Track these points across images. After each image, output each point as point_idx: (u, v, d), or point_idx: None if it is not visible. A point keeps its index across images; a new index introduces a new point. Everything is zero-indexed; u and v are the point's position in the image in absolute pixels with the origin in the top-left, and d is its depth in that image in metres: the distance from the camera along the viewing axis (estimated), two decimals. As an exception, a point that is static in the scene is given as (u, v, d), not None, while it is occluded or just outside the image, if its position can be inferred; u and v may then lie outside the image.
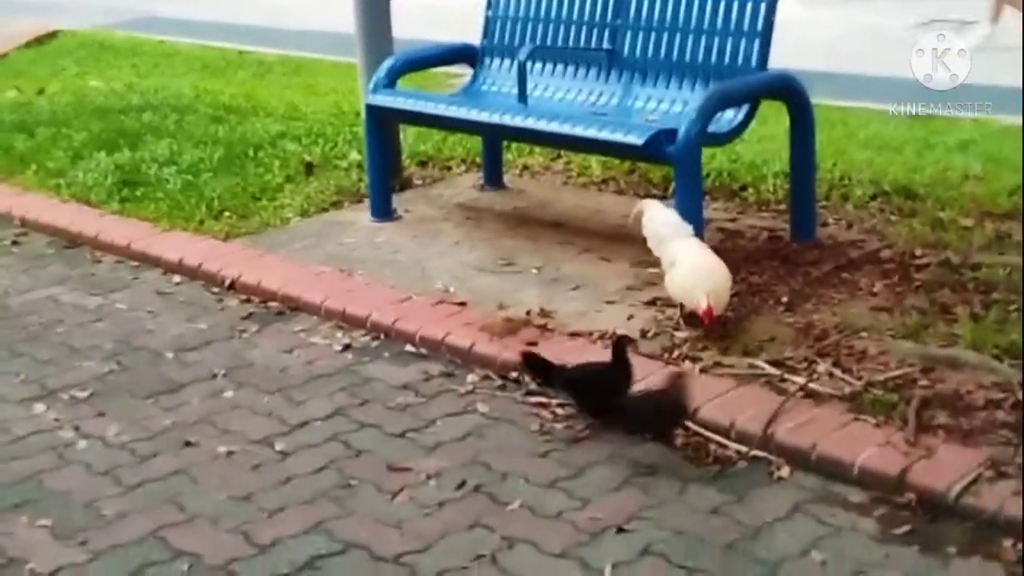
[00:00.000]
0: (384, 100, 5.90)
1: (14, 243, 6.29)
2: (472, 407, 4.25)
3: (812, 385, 4.08)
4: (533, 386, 4.32)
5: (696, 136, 4.88)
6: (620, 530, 3.48)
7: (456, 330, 4.71)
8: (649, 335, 4.57)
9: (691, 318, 4.55)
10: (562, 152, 6.82)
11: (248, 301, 5.31)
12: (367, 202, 6.22)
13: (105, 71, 10.49)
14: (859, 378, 4.12)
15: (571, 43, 5.94)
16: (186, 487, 3.84)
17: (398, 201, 6.25)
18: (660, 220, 4.79)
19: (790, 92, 5.31)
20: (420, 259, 5.55)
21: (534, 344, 4.52)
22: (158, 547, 3.51)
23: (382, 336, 4.85)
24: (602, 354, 4.27)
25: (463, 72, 6.72)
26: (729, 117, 5.22)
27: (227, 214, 6.26)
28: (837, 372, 4.18)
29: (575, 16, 5.94)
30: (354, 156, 6.97)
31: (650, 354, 4.37)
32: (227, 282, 5.45)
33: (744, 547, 3.38)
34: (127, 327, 5.12)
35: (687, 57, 5.51)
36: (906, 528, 3.41)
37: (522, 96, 5.71)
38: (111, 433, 4.20)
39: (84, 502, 3.77)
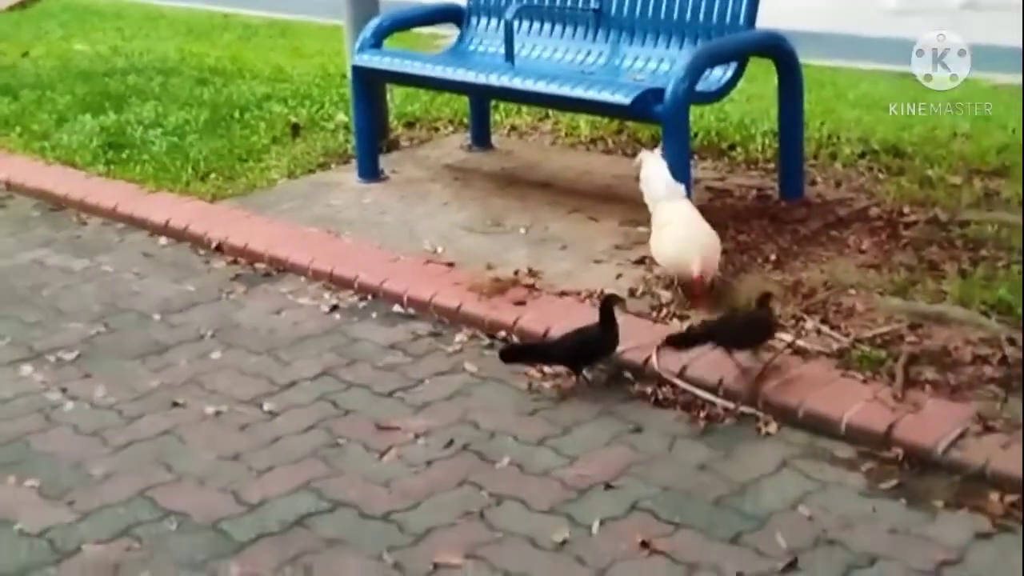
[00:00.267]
0: (370, 60, 5.87)
1: (-1, 206, 6.28)
2: (460, 366, 4.25)
3: (800, 342, 4.08)
4: (521, 345, 4.33)
5: (684, 95, 4.85)
6: (608, 486, 3.48)
7: (444, 290, 4.70)
8: (637, 294, 4.56)
9: (684, 286, 4.54)
10: (550, 112, 6.80)
11: (235, 263, 5.29)
12: (354, 163, 6.20)
13: (90, 34, 10.42)
14: (847, 335, 4.12)
15: (558, 1, 5.91)
16: (174, 447, 3.84)
17: (385, 162, 6.23)
18: (657, 180, 4.76)
19: (778, 51, 5.29)
20: (408, 220, 5.53)
21: (521, 303, 4.52)
22: (146, 507, 3.51)
23: (370, 297, 4.84)
24: (590, 313, 4.26)
25: (450, 32, 6.69)
26: (717, 76, 5.20)
27: (213, 176, 6.23)
28: (825, 329, 4.18)
29: (562, -26, 5.90)
30: (341, 117, 6.94)
31: (638, 313, 4.37)
32: (214, 244, 5.43)
33: (732, 502, 3.39)
34: (114, 289, 5.10)
35: (675, 15, 5.48)
36: (893, 483, 3.42)
37: (509, 56, 5.68)
38: (98, 394, 4.19)
39: (72, 463, 3.76)
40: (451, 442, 3.77)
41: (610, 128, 6.55)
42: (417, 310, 4.68)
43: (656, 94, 4.89)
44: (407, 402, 4.04)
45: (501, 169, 6.20)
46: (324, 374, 4.26)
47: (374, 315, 4.70)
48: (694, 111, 5.38)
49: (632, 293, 4.56)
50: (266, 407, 4.06)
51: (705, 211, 4.72)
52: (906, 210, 5.20)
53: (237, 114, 7.20)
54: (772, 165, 5.79)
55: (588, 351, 4.07)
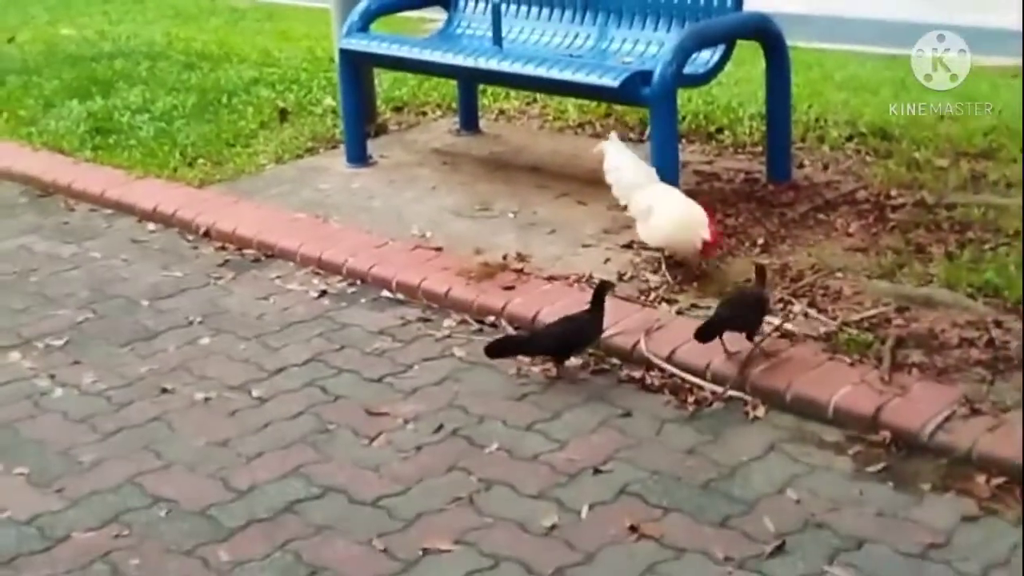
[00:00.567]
0: (358, 44, 5.85)
1: (-14, 192, 6.25)
2: (449, 351, 4.25)
3: (787, 325, 4.09)
4: (511, 330, 4.33)
5: (672, 77, 4.85)
6: (597, 471, 3.49)
7: (433, 275, 4.70)
8: (626, 278, 4.57)
9: (675, 264, 4.55)
10: (538, 96, 6.79)
11: (223, 248, 5.28)
12: (342, 148, 6.19)
13: (76, 18, 10.38)
14: (834, 318, 4.13)
15: (546, -15, 5.90)
16: (163, 434, 3.84)
17: (373, 147, 6.22)
18: (628, 168, 4.77)
19: (766, 33, 5.28)
20: (396, 205, 5.53)
21: (510, 288, 4.52)
22: (135, 493, 3.51)
23: (359, 282, 4.83)
24: (579, 296, 4.27)
25: (437, 16, 6.67)
26: (705, 58, 5.20)
27: (201, 161, 6.22)
28: (812, 312, 4.19)
29: (549, -43, 5.89)
30: (328, 102, 6.93)
31: (626, 297, 4.38)
32: (202, 229, 5.42)
33: (720, 486, 3.40)
34: (102, 275, 5.10)
35: (662, -2, 5.48)
36: (880, 466, 3.43)
37: (497, 39, 5.67)
38: (87, 381, 4.19)
39: (60, 450, 3.76)
40: (440, 427, 3.77)
41: (598, 112, 6.55)
42: (406, 295, 4.68)
43: (644, 77, 4.89)
44: (396, 387, 4.04)
45: (489, 153, 6.19)
46: (313, 360, 4.26)
47: (363, 300, 4.70)
48: (682, 94, 5.38)
49: (620, 277, 4.56)
50: (255, 393, 4.06)
51: (693, 194, 4.72)
52: (893, 193, 5.21)
53: (225, 99, 7.18)
54: (760, 148, 5.79)
55: (575, 340, 4.07)
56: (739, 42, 5.34)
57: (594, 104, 6.47)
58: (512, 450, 3.63)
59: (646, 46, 5.45)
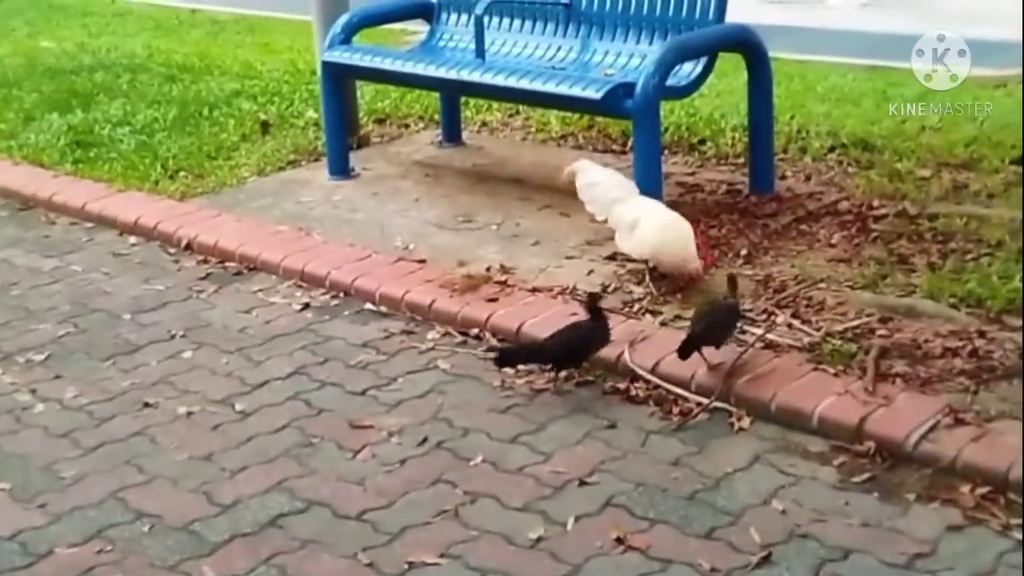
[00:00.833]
0: (340, 56, 5.85)
1: (-34, 206, 6.22)
2: (433, 364, 4.24)
3: (771, 336, 4.09)
4: (494, 342, 4.32)
5: (654, 89, 4.86)
6: (582, 483, 3.49)
7: (416, 287, 4.69)
8: (610, 289, 4.57)
9: (659, 276, 4.55)
10: (521, 108, 6.80)
11: (205, 261, 5.26)
12: (324, 160, 6.18)
13: (56, 31, 10.35)
14: (818, 329, 4.14)
15: (528, -3, 5.90)
16: (146, 448, 3.81)
17: (356, 159, 6.21)
18: (606, 183, 4.78)
19: (748, 45, 5.30)
20: (379, 217, 5.52)
21: (493, 300, 4.51)
22: (118, 508, 3.48)
23: (342, 295, 4.82)
24: (563, 309, 4.27)
25: (420, 28, 6.67)
26: (687, 70, 5.21)
27: (183, 174, 6.20)
28: (796, 323, 4.19)
29: (531, -30, 5.89)
30: (311, 114, 6.92)
31: (610, 308, 4.37)
32: (184, 242, 5.40)
33: (706, 497, 3.39)
34: (83, 289, 5.07)
35: (644, 10, 5.49)
36: (865, 476, 3.43)
37: (479, 51, 5.67)
38: (69, 395, 4.17)
39: (43, 465, 3.74)
40: (425, 440, 3.76)
41: (580, 124, 6.55)
42: (389, 308, 4.67)
43: (627, 89, 4.90)
44: (380, 400, 4.03)
45: (472, 165, 6.19)
46: (296, 373, 4.24)
47: (346, 313, 4.68)
48: (664, 106, 5.39)
49: (604, 289, 4.56)
50: (238, 407, 4.04)
51: (676, 206, 4.73)
52: (875, 204, 5.22)
53: (206, 111, 7.17)
54: (742, 160, 5.80)
55: (582, 347, 4.06)
56: (721, 54, 5.36)
57: (577, 116, 6.48)
58: (497, 463, 3.62)
59: (628, 58, 5.46)
